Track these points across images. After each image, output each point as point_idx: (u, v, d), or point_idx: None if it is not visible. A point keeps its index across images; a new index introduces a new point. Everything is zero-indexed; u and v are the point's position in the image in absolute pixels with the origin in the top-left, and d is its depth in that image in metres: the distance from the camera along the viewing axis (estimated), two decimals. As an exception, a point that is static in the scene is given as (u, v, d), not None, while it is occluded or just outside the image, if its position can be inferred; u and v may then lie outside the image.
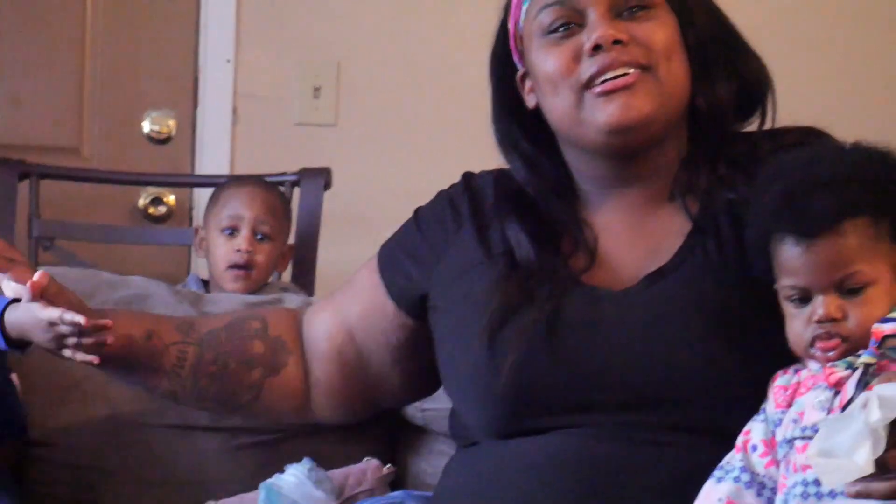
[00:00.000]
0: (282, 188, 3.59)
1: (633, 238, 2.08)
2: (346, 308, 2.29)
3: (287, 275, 3.60)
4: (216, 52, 4.16)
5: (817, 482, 1.72)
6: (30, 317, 2.07)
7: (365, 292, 2.27)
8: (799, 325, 1.81)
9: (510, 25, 2.12)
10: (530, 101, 2.11)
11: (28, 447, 2.61)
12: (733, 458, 1.85)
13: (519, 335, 1.98)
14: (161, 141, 4.16)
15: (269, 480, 2.46)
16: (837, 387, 1.76)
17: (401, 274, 2.23)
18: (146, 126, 4.15)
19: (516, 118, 2.15)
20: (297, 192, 3.65)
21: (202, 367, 2.23)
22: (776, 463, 1.81)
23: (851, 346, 1.77)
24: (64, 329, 2.03)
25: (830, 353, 1.78)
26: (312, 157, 3.80)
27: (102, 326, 2.05)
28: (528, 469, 1.96)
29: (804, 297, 1.81)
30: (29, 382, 2.62)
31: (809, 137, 2.07)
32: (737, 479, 1.84)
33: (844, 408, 1.72)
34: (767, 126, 2.11)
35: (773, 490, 1.81)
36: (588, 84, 1.98)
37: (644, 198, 2.08)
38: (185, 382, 2.22)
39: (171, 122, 4.16)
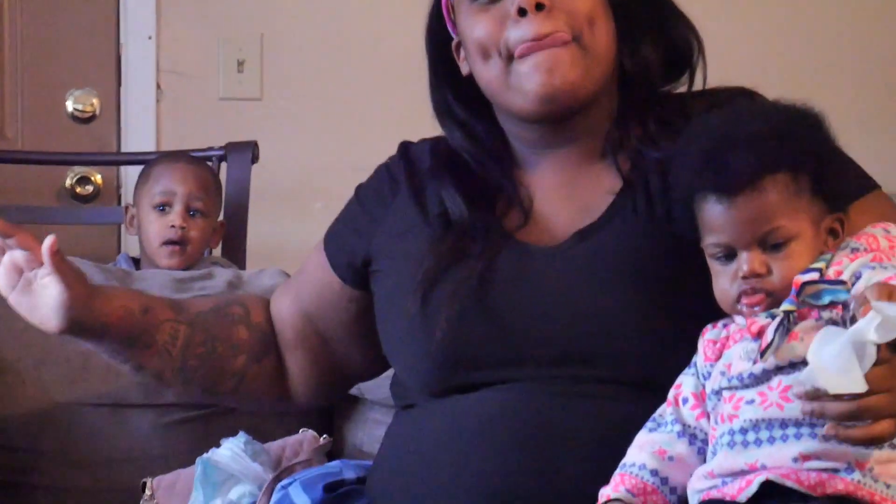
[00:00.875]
0: (209, 163, 3.59)
1: (566, 196, 2.10)
2: (301, 293, 2.31)
3: (218, 249, 3.60)
4: (137, 28, 4.14)
5: (743, 430, 1.75)
6: None
7: (314, 273, 2.30)
8: (725, 281, 1.83)
9: None
10: (464, 69, 2.14)
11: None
12: (665, 411, 1.87)
13: (451, 292, 2.01)
14: (85, 120, 4.14)
15: (205, 455, 2.45)
16: (760, 335, 1.79)
17: (343, 248, 2.25)
18: (69, 105, 4.13)
19: (451, 86, 2.17)
20: (224, 166, 3.64)
21: (192, 348, 2.22)
22: (706, 415, 1.84)
23: (775, 300, 1.80)
24: None
25: (756, 308, 1.81)
26: (239, 131, 3.80)
27: None
28: (463, 425, 1.99)
29: (729, 255, 1.83)
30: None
31: (740, 97, 2.09)
32: (669, 430, 1.86)
33: (764, 352, 1.76)
34: (698, 87, 2.14)
35: (704, 441, 1.83)
36: (514, 51, 2.01)
37: (577, 157, 2.11)
38: (175, 362, 2.22)
39: (95, 101, 4.14)
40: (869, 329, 1.61)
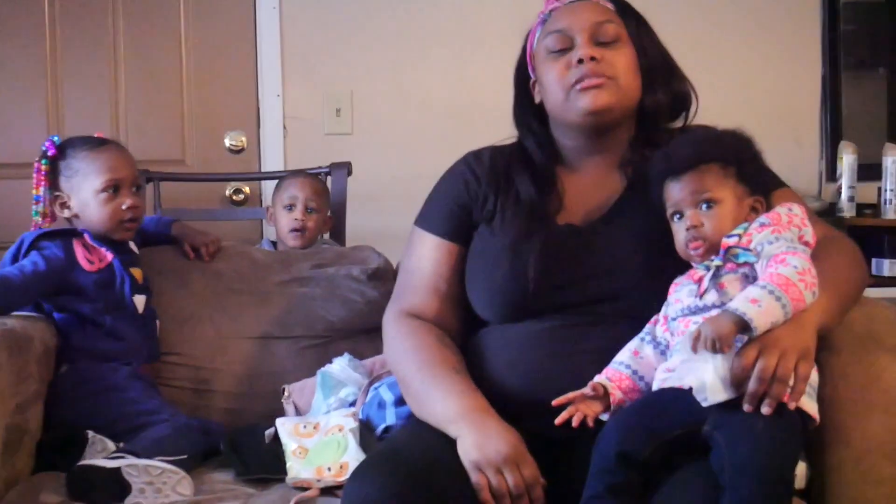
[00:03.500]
0: (320, 177, 3.57)
1: (592, 192, 2.11)
2: (431, 283, 2.16)
3: (328, 234, 3.58)
4: (269, 88, 4.12)
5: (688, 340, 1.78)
6: None
7: (431, 258, 2.16)
8: (680, 234, 1.89)
9: (528, 48, 2.17)
10: (536, 98, 2.16)
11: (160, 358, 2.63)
12: (646, 328, 1.92)
13: (534, 256, 2.01)
14: (237, 151, 4.13)
15: (322, 368, 2.51)
16: (699, 281, 1.84)
17: (449, 219, 2.16)
18: (227, 141, 4.12)
19: (529, 110, 2.18)
20: (329, 179, 3.63)
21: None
22: (669, 331, 1.88)
23: (710, 245, 1.85)
24: None
25: (699, 251, 1.86)
26: (338, 155, 3.76)
27: None
28: (527, 339, 2.01)
29: (680, 216, 1.89)
30: (160, 315, 2.64)
31: (702, 127, 2.12)
32: (642, 339, 1.91)
33: (703, 295, 1.81)
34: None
35: (666, 347, 1.88)
36: (574, 84, 2.04)
37: (603, 165, 2.13)
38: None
39: (243, 138, 4.13)
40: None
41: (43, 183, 2.50)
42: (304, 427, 2.31)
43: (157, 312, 2.62)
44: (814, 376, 1.82)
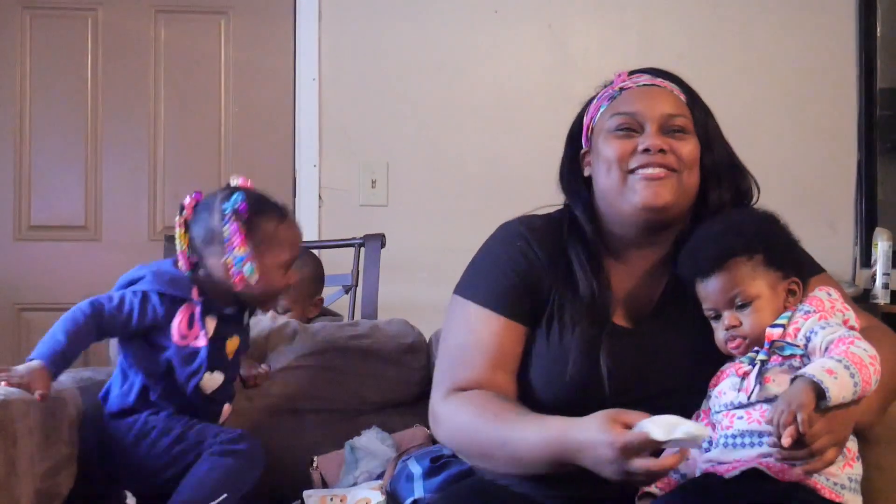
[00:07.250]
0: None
1: (640, 287, 2.06)
2: (497, 359, 2.02)
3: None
4: (307, 160, 4.16)
5: (733, 436, 1.78)
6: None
7: (497, 338, 2.03)
8: (719, 333, 1.87)
9: (586, 119, 2.10)
10: (586, 172, 2.09)
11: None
12: None
13: (607, 355, 1.96)
14: None
15: (351, 440, 2.51)
16: (744, 376, 1.81)
17: (519, 297, 2.05)
18: None
19: (579, 178, 2.11)
20: (363, 250, 3.63)
21: None
22: (712, 425, 1.85)
23: (751, 342, 1.83)
24: None
25: (738, 349, 1.84)
26: (372, 227, 3.78)
27: None
28: None
29: (717, 316, 1.86)
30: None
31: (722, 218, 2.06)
32: None
33: (750, 394, 1.78)
34: None
35: (710, 442, 1.84)
36: (634, 170, 1.98)
37: (651, 258, 2.06)
38: None
39: None
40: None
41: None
42: (332, 499, 2.31)
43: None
44: (858, 469, 1.82)
